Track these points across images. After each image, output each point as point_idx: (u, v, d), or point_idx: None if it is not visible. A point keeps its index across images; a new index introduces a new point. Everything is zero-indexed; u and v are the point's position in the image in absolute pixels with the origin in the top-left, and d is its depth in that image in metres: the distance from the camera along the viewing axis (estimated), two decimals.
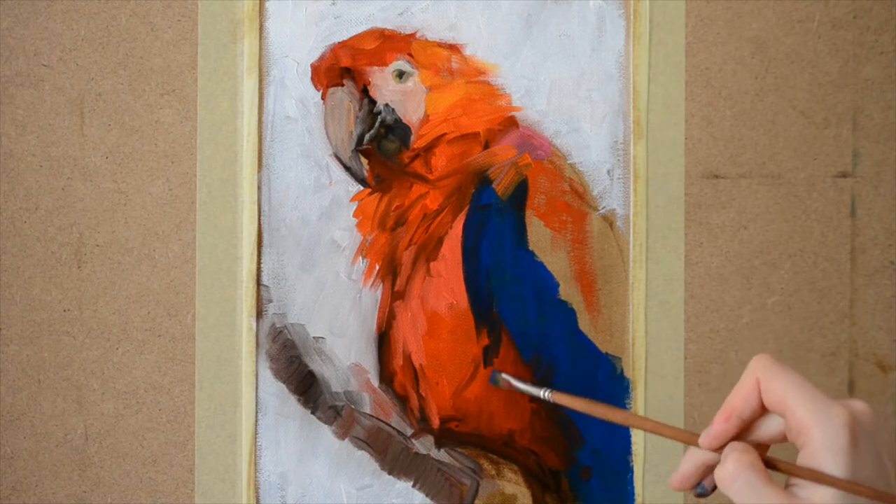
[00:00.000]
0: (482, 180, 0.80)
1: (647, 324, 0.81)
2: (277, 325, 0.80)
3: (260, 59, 0.80)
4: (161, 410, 0.80)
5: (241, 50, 0.80)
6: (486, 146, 0.80)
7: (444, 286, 0.80)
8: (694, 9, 0.81)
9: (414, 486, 0.80)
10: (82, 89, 0.80)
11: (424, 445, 0.81)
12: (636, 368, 0.80)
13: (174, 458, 0.80)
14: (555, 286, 0.80)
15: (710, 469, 0.55)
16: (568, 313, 0.81)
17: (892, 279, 0.82)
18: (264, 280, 0.80)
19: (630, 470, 0.81)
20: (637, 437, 0.81)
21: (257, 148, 0.80)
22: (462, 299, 0.80)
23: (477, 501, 0.81)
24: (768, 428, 0.54)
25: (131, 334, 0.80)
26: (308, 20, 0.80)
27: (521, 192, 0.80)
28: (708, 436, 0.54)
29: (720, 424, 0.54)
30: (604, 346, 0.81)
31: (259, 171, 0.80)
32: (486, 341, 0.80)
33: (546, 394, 0.63)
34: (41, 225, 0.81)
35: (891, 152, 0.82)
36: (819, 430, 0.50)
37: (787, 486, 0.52)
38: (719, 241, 0.81)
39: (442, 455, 0.81)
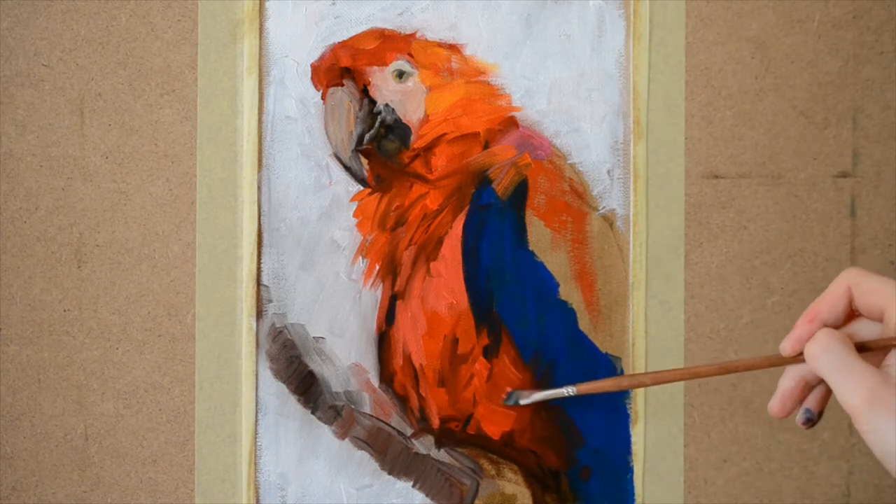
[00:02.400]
0: (482, 180, 0.80)
1: (647, 324, 0.80)
2: (277, 325, 0.80)
3: (260, 59, 0.80)
4: (161, 410, 0.80)
5: (241, 50, 0.80)
6: (486, 146, 0.80)
7: (444, 286, 0.80)
8: (694, 9, 0.81)
9: (414, 486, 0.80)
10: (82, 89, 0.80)
11: (424, 445, 0.81)
12: (636, 368, 0.80)
13: (174, 458, 0.80)
14: (555, 286, 0.80)
15: (808, 387, 0.54)
16: (568, 313, 0.80)
17: (892, 279, 0.82)
18: (264, 280, 0.80)
19: (630, 470, 0.81)
20: (637, 437, 0.81)
21: (257, 148, 0.80)
22: (462, 299, 0.80)
23: (477, 501, 0.81)
24: (857, 334, 0.52)
25: (131, 334, 0.80)
26: (308, 20, 0.80)
27: (521, 192, 0.80)
28: (790, 339, 0.53)
29: (803, 325, 0.53)
30: (604, 346, 0.81)
31: (259, 171, 0.80)
32: (486, 341, 0.80)
33: (570, 391, 0.63)
34: (41, 225, 0.81)
35: (891, 152, 0.82)
36: None
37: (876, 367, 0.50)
38: (719, 241, 0.81)
39: (442, 455, 0.81)
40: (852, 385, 0.49)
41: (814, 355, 0.51)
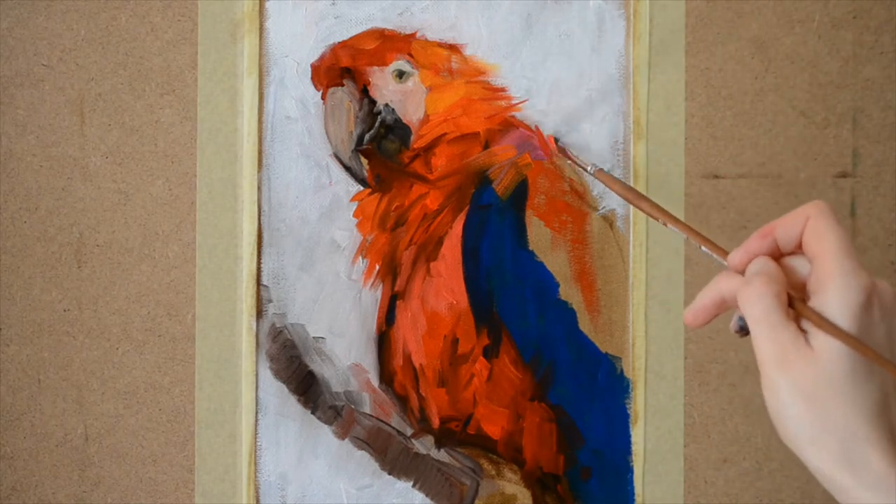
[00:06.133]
0: (482, 180, 0.80)
1: (647, 324, 0.80)
2: (277, 325, 0.80)
3: (260, 59, 0.80)
4: (161, 410, 0.80)
5: (241, 50, 0.80)
6: (486, 146, 0.80)
7: (444, 286, 0.80)
8: (694, 9, 0.81)
9: (414, 486, 0.80)
10: (82, 89, 0.80)
11: (424, 445, 0.81)
12: (636, 368, 0.80)
13: (174, 458, 0.80)
14: (555, 286, 0.80)
15: (724, 305, 0.54)
16: (568, 313, 0.80)
17: (893, 279, 0.82)
18: (264, 280, 0.80)
19: (630, 470, 0.81)
20: (637, 437, 0.81)
21: (257, 148, 0.80)
22: (462, 299, 0.80)
23: (477, 501, 0.81)
24: (795, 269, 0.53)
25: (131, 334, 0.80)
26: (308, 20, 0.80)
27: (521, 192, 0.80)
28: (740, 250, 0.53)
29: (755, 240, 0.53)
30: (604, 346, 0.81)
31: (259, 171, 0.80)
32: (486, 341, 0.80)
33: (591, 168, 0.63)
34: (41, 225, 0.81)
35: (891, 152, 0.82)
36: (839, 283, 0.49)
37: (798, 329, 0.51)
38: (719, 241, 0.81)
39: (442, 455, 0.81)
40: (768, 340, 0.50)
41: (745, 298, 0.51)
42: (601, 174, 0.65)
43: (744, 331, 0.53)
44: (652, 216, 0.63)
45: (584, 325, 0.81)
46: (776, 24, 0.81)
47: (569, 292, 0.80)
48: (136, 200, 0.80)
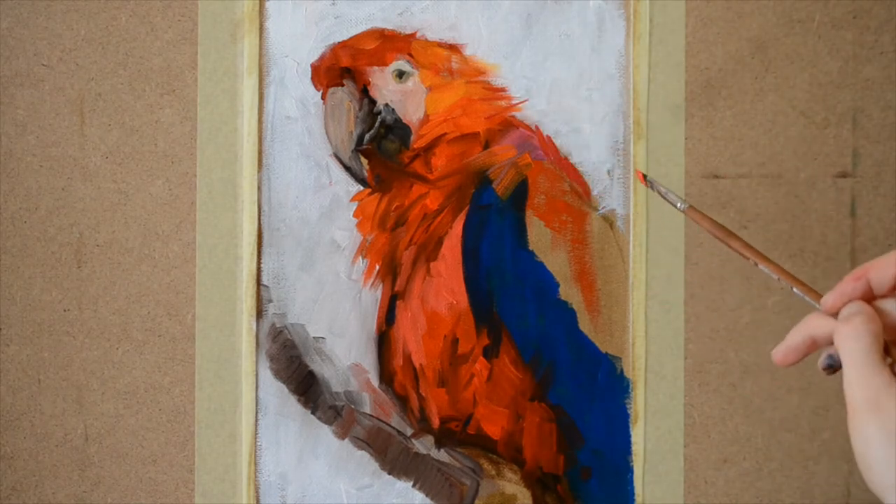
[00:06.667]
0: (482, 180, 0.80)
1: (647, 324, 0.80)
2: (277, 325, 0.80)
3: (260, 59, 0.80)
4: (161, 410, 0.80)
5: (241, 50, 0.80)
6: (486, 146, 0.80)
7: (444, 286, 0.80)
8: (694, 9, 0.81)
9: (414, 486, 0.80)
10: (82, 89, 0.80)
11: (424, 445, 0.81)
12: (636, 368, 0.80)
13: (174, 458, 0.80)
14: (555, 286, 0.80)
15: (815, 346, 0.53)
16: (568, 313, 0.80)
17: None
18: (264, 280, 0.80)
19: (630, 470, 0.81)
20: (637, 437, 0.81)
21: (257, 148, 0.80)
22: (462, 299, 0.80)
23: (477, 501, 0.81)
24: (890, 312, 0.52)
25: (131, 334, 0.80)
26: (308, 20, 0.80)
27: (521, 192, 0.80)
28: (833, 293, 0.53)
29: (848, 283, 0.52)
30: (604, 346, 0.81)
31: (259, 171, 0.80)
32: (486, 341, 0.80)
33: (681, 205, 0.64)
34: (41, 225, 0.80)
35: (891, 152, 0.82)
36: None
37: (892, 372, 0.50)
38: (719, 241, 0.81)
39: (442, 455, 0.81)
40: (861, 380, 0.50)
41: (842, 335, 0.51)
42: (692, 212, 0.65)
43: (831, 368, 0.53)
44: (743, 255, 0.63)
45: (584, 325, 0.81)
46: (776, 24, 0.81)
47: (569, 292, 0.80)
48: (136, 200, 0.80)
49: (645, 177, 0.71)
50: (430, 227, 0.80)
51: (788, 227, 0.82)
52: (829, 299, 0.53)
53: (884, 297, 0.53)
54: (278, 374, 0.80)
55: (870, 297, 0.53)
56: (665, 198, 0.68)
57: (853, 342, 0.50)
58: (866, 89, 0.82)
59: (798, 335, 0.54)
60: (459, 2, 0.80)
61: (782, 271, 0.58)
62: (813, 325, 0.54)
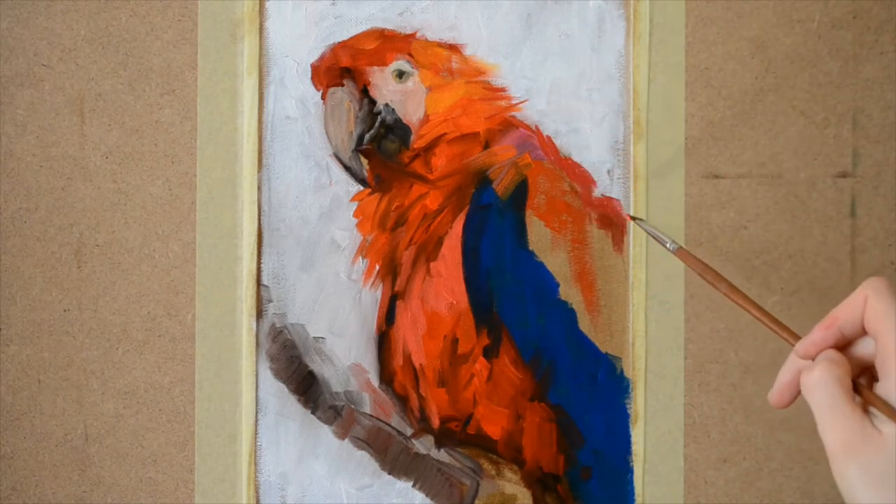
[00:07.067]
0: (482, 180, 0.80)
1: (647, 324, 0.80)
2: (277, 325, 0.80)
3: (260, 59, 0.80)
4: (161, 410, 0.80)
5: (241, 50, 0.80)
6: (486, 146, 0.80)
7: (444, 286, 0.80)
8: (694, 9, 0.81)
9: (414, 486, 0.80)
10: (82, 89, 0.80)
11: (424, 445, 0.81)
12: (636, 368, 0.80)
13: (174, 458, 0.80)
14: (555, 286, 0.80)
15: None
16: (568, 313, 0.80)
17: (893, 279, 0.82)
18: (264, 280, 0.80)
19: (630, 470, 0.81)
20: (637, 437, 0.81)
21: (257, 148, 0.80)
22: (462, 299, 0.80)
23: (477, 501, 0.81)
24: (865, 350, 0.53)
25: (131, 334, 0.80)
26: (308, 20, 0.80)
27: (521, 192, 0.80)
28: (805, 342, 0.54)
29: (819, 332, 0.53)
30: (604, 346, 0.81)
31: (259, 171, 0.80)
32: (486, 341, 0.80)
33: (671, 245, 0.65)
34: (41, 225, 0.80)
35: (891, 152, 0.82)
36: None
37: (864, 412, 0.51)
38: (719, 241, 0.81)
39: (442, 455, 0.81)
40: (833, 427, 0.50)
41: (807, 387, 0.52)
42: (682, 253, 0.65)
43: None
44: (731, 298, 0.64)
45: (584, 325, 0.81)
46: (776, 24, 0.81)
47: (569, 292, 0.80)
48: (136, 200, 0.80)
49: (633, 218, 0.72)
50: (430, 227, 0.80)
51: (788, 227, 0.82)
52: (801, 348, 0.54)
53: (856, 337, 0.54)
54: (278, 374, 0.80)
55: (843, 343, 0.54)
56: (655, 238, 0.68)
57: (818, 392, 0.51)
58: (866, 89, 0.82)
59: (787, 374, 0.56)
60: (459, 2, 0.80)
61: (764, 314, 0.59)
62: (799, 363, 0.55)
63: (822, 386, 0.51)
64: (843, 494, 0.50)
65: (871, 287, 0.52)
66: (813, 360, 0.54)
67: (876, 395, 0.51)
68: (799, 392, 0.55)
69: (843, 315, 0.53)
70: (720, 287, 0.63)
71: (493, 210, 0.80)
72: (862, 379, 0.53)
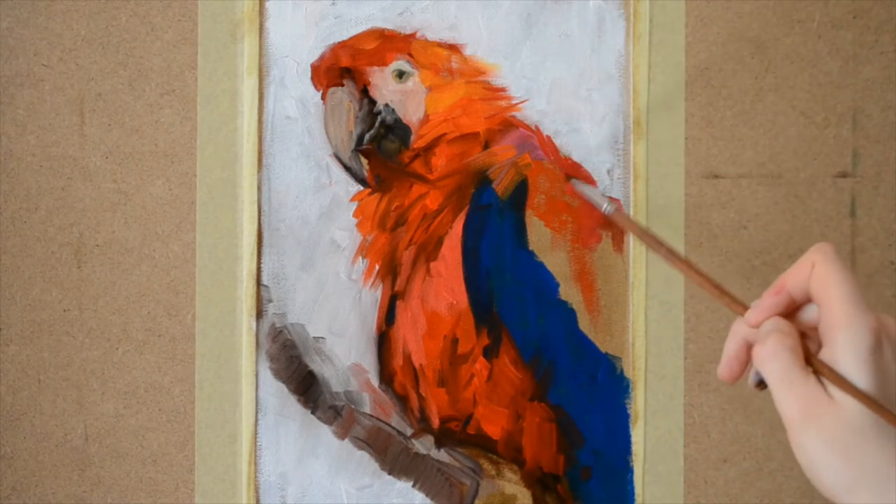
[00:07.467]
0: (482, 180, 0.80)
1: (647, 324, 0.81)
2: (277, 325, 0.80)
3: (260, 59, 0.80)
4: (161, 410, 0.80)
5: (241, 50, 0.80)
6: (486, 146, 0.80)
7: (444, 286, 0.80)
8: (694, 9, 0.81)
9: (414, 486, 0.80)
10: (82, 89, 0.80)
11: (424, 445, 0.81)
12: (636, 368, 0.80)
13: (174, 458, 0.80)
14: (555, 286, 0.80)
15: (752, 348, 0.54)
16: (568, 313, 0.80)
17: (892, 279, 0.82)
18: (264, 280, 0.80)
19: (630, 470, 0.81)
20: (637, 437, 0.81)
21: (257, 148, 0.80)
22: (462, 299, 0.80)
23: (477, 501, 0.81)
24: (810, 315, 0.53)
25: (131, 334, 0.80)
26: (308, 20, 0.80)
27: (521, 192, 0.80)
28: (756, 308, 0.54)
29: (770, 298, 0.53)
30: (604, 346, 0.81)
31: (259, 171, 0.80)
32: (486, 341, 0.80)
33: (607, 207, 0.65)
34: (41, 225, 0.81)
35: (891, 152, 0.82)
36: (846, 329, 0.50)
37: (817, 380, 0.51)
38: (719, 241, 0.81)
39: (442, 455, 0.81)
40: (790, 397, 0.51)
41: (761, 358, 0.52)
42: (618, 215, 0.65)
43: (762, 384, 0.54)
44: (671, 263, 0.64)
45: (584, 325, 0.81)
46: (776, 24, 0.81)
47: (569, 292, 0.80)
48: (136, 200, 0.80)
49: (569, 178, 0.72)
50: (430, 227, 0.80)
51: (788, 227, 0.82)
52: (752, 316, 0.54)
53: (804, 303, 0.54)
54: (278, 374, 0.80)
55: (793, 308, 0.54)
56: (591, 201, 0.68)
57: (772, 362, 0.51)
58: (866, 89, 0.82)
59: (733, 345, 0.55)
60: (459, 2, 0.80)
61: (709, 282, 0.59)
62: (744, 331, 0.55)
63: (776, 356, 0.51)
64: (801, 463, 0.50)
65: (819, 252, 0.52)
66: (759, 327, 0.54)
67: (825, 364, 0.51)
68: (747, 363, 0.55)
69: (791, 281, 0.53)
70: (660, 252, 0.63)
71: (493, 210, 0.80)
72: (810, 345, 0.53)
